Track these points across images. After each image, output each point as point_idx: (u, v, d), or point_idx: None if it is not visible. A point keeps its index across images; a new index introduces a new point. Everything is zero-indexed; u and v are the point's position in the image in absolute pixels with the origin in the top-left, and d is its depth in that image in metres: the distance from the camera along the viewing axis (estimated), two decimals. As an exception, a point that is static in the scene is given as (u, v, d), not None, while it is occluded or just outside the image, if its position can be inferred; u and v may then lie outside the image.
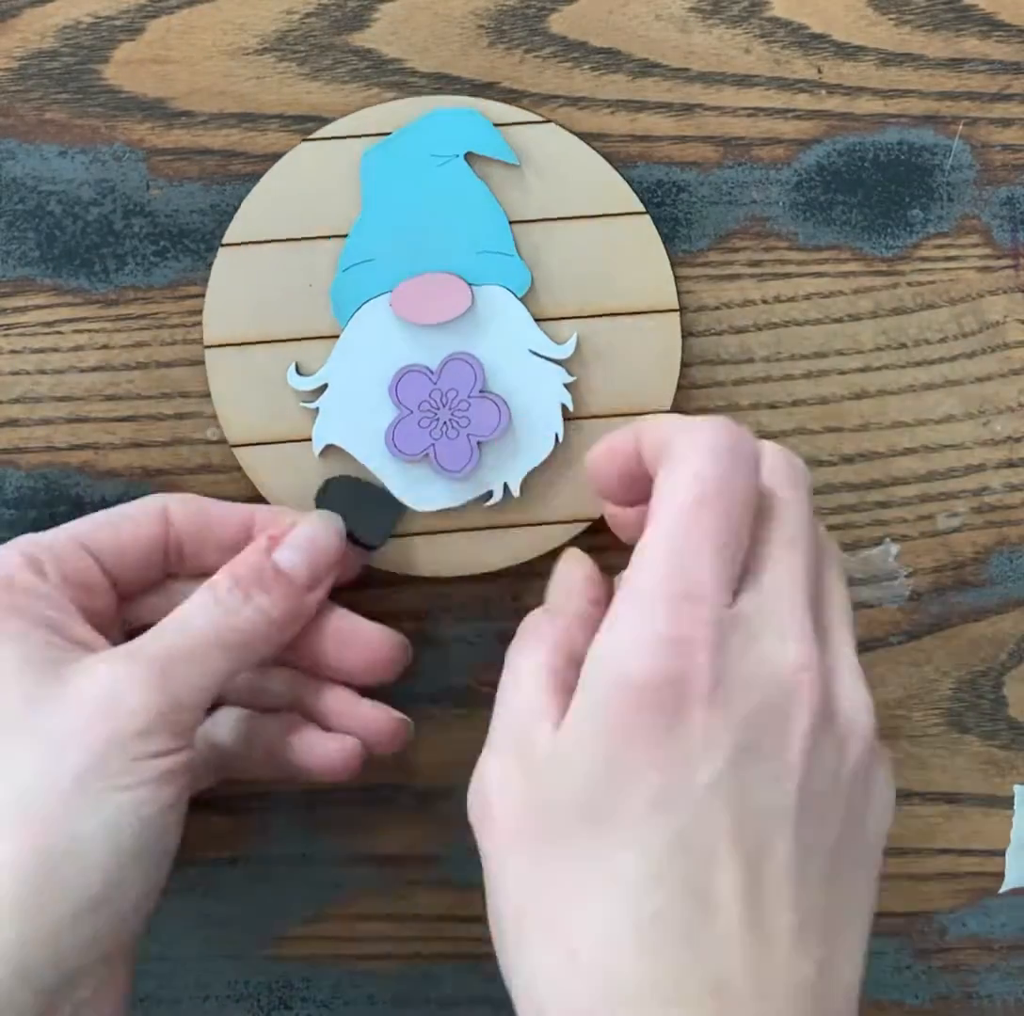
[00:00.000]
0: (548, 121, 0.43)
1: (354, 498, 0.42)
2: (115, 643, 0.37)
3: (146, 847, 0.35)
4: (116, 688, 0.35)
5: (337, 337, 0.42)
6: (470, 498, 0.43)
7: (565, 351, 0.42)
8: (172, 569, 0.40)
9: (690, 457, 0.32)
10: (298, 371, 0.43)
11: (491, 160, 0.42)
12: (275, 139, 0.43)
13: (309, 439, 0.43)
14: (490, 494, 0.43)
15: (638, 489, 0.35)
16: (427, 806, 0.45)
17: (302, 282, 0.42)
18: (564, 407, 0.43)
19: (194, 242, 0.43)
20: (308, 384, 0.42)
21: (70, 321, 0.43)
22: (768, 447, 0.34)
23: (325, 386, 0.42)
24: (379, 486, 0.43)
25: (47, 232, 0.43)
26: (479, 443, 0.42)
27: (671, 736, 0.30)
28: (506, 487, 0.43)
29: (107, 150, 0.43)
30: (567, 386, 0.42)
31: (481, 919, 0.34)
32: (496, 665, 0.35)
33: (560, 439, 0.43)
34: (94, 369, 0.43)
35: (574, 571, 0.37)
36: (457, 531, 0.43)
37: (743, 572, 0.32)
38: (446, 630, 0.44)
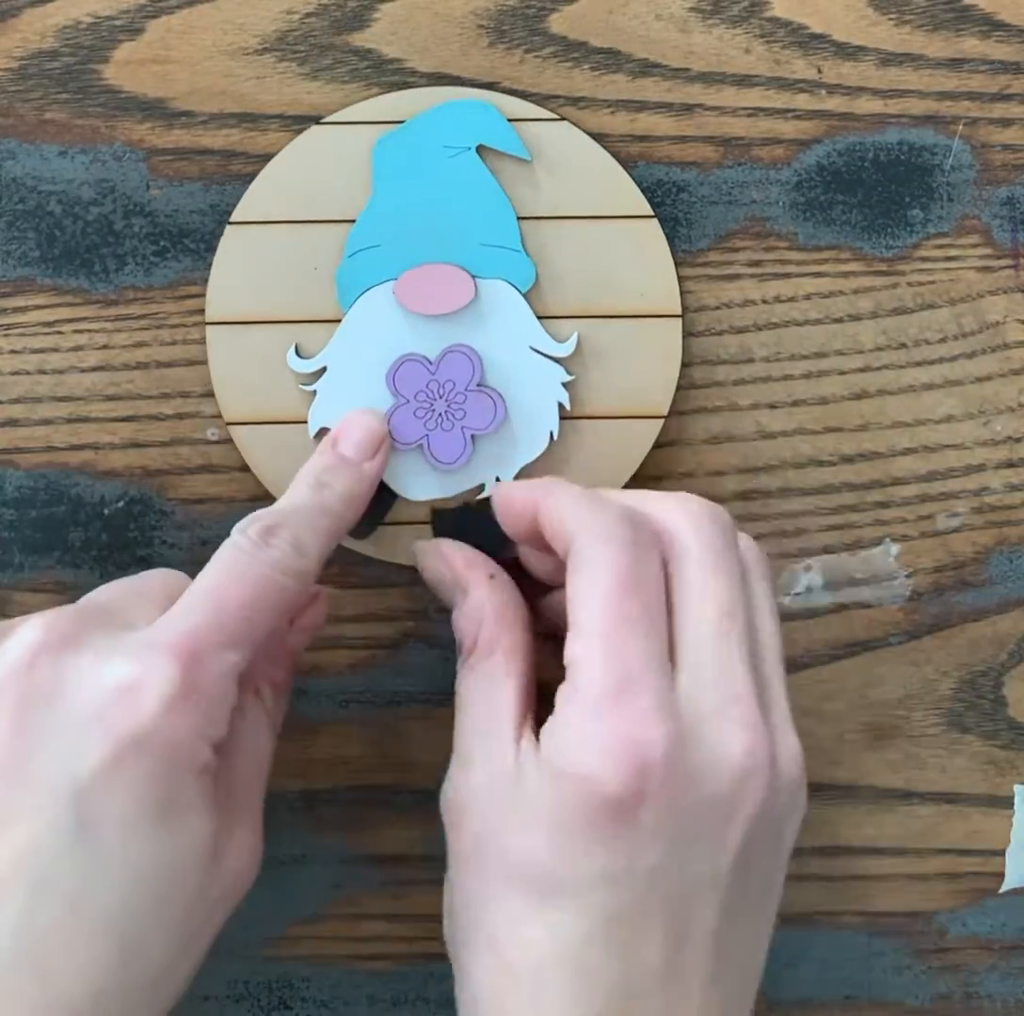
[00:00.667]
0: (562, 119, 0.43)
1: None
2: None
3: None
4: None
5: (339, 321, 0.42)
6: (461, 490, 0.43)
7: (565, 349, 0.42)
8: None
9: (600, 553, 0.34)
10: (298, 353, 0.43)
11: (503, 154, 0.42)
12: (275, 139, 0.43)
13: (305, 421, 0.43)
14: (482, 488, 0.43)
15: (541, 543, 0.37)
16: (427, 806, 0.45)
17: (307, 264, 0.42)
18: (561, 405, 0.43)
19: (194, 242, 0.43)
20: (307, 366, 0.43)
21: (70, 321, 0.43)
22: (665, 503, 0.36)
23: (324, 369, 0.42)
24: None
25: (47, 232, 0.43)
26: (473, 436, 0.42)
27: (624, 827, 0.33)
28: (498, 481, 0.43)
29: (107, 150, 0.43)
30: (565, 385, 0.42)
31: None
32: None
33: (555, 437, 0.43)
34: (94, 369, 0.43)
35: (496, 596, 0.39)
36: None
37: (677, 647, 0.34)
38: (446, 630, 0.44)
